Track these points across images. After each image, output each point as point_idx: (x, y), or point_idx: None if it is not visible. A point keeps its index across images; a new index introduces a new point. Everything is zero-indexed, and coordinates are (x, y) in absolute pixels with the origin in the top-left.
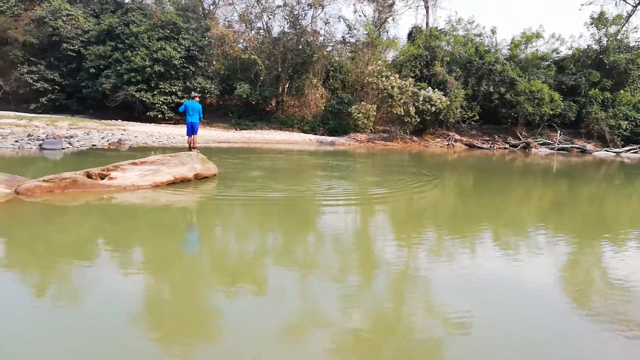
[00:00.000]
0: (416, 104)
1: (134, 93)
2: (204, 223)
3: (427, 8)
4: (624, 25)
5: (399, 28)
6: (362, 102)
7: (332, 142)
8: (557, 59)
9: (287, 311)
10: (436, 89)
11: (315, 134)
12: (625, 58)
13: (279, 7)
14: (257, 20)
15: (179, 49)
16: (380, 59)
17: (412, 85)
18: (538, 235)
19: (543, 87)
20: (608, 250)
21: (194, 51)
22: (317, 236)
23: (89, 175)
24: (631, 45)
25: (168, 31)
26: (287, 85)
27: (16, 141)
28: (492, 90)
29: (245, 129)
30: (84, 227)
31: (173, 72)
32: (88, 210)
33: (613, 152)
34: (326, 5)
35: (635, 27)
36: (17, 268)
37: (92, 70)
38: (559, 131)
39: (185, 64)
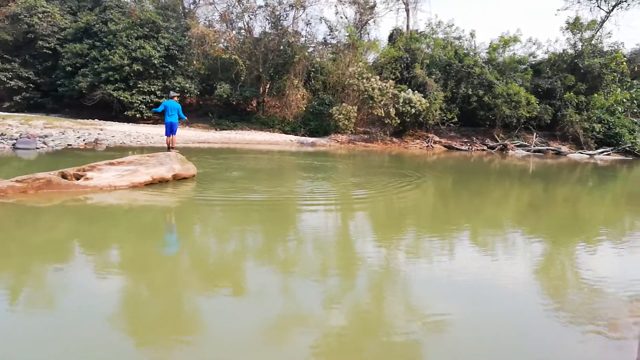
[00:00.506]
0: (396, 105)
1: (112, 92)
2: (183, 224)
3: (407, 11)
4: (598, 30)
5: (380, 30)
6: (343, 104)
7: (312, 143)
8: (533, 62)
9: (266, 313)
10: (416, 91)
11: (296, 134)
12: (599, 62)
13: (260, 7)
14: (238, 20)
15: (159, 48)
16: (361, 61)
17: (392, 87)
18: (518, 235)
19: (520, 90)
20: (584, 250)
21: (173, 50)
22: (299, 238)
23: (64, 176)
24: (605, 50)
25: (147, 30)
26: (268, 86)
27: None
28: (470, 92)
29: (226, 129)
30: (58, 229)
31: (152, 72)
32: (63, 211)
33: (587, 154)
34: (308, 7)
35: (609, 33)
36: None
37: (69, 68)
38: (535, 133)
39: (164, 63)
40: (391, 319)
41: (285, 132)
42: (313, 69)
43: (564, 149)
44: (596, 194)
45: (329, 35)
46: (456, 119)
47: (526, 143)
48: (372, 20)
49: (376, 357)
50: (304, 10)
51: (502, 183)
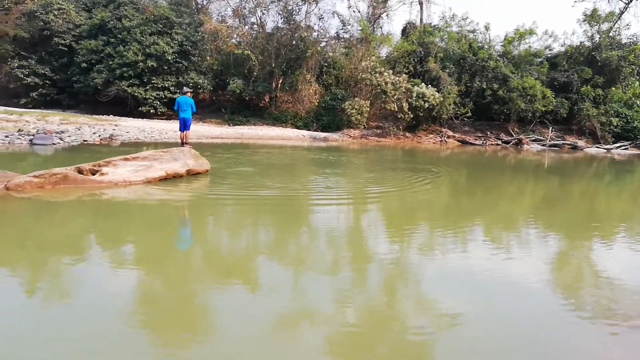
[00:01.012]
0: (409, 100)
1: (126, 88)
2: (197, 220)
3: (421, 4)
4: (616, 22)
5: (393, 24)
6: (356, 98)
7: (325, 138)
8: (549, 55)
9: (280, 308)
10: (429, 85)
11: (309, 129)
12: (617, 55)
13: (272, 2)
14: (250, 16)
15: (172, 44)
16: (374, 55)
17: (405, 82)
18: (536, 231)
19: (535, 83)
20: (601, 246)
21: (186, 46)
22: (319, 236)
23: (80, 171)
24: (623, 42)
25: (161, 26)
26: (280, 81)
27: (6, 136)
28: (485, 86)
29: (239, 125)
30: (75, 223)
31: (166, 67)
32: (79, 206)
33: (604, 148)
34: (320, 1)
35: (628, 24)
36: (8, 264)
37: (84, 64)
38: (550, 128)
39: (178, 59)
40: (407, 316)
41: (298, 128)
42: (325, 64)
43: (581, 143)
44: (613, 189)
45: (342, 29)
46: (470, 113)
47: (542, 137)
48: (385, 13)
49: (389, 354)
50: (317, 4)
51: (517, 178)
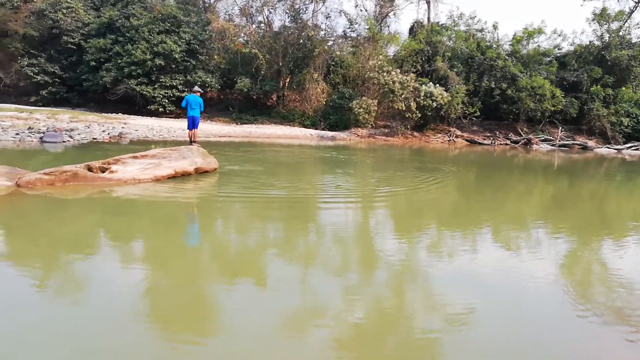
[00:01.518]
0: (417, 99)
1: (135, 86)
2: (206, 218)
3: (428, 3)
4: (626, 21)
5: (400, 23)
6: (363, 97)
7: (332, 137)
8: (558, 55)
9: (288, 306)
10: (437, 85)
11: (316, 128)
12: (627, 54)
13: (279, 1)
14: (257, 14)
15: (180, 43)
16: (381, 54)
17: (413, 81)
18: (547, 232)
19: (544, 83)
20: (611, 247)
21: (194, 45)
22: (332, 236)
23: (89, 169)
24: (633, 41)
25: (168, 24)
26: (288, 80)
27: (17, 134)
28: (493, 86)
29: (246, 123)
30: (85, 220)
31: (174, 66)
32: (89, 203)
33: (614, 149)
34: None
35: (638, 24)
36: (19, 261)
37: (93, 63)
38: (560, 127)
39: (185, 58)
40: (416, 316)
41: (305, 126)
42: (333, 63)
43: (591, 143)
44: (624, 190)
45: (349, 28)
46: (478, 113)
47: (551, 137)
48: (392, 12)
49: (398, 353)
50: (324, 3)
51: (526, 178)
